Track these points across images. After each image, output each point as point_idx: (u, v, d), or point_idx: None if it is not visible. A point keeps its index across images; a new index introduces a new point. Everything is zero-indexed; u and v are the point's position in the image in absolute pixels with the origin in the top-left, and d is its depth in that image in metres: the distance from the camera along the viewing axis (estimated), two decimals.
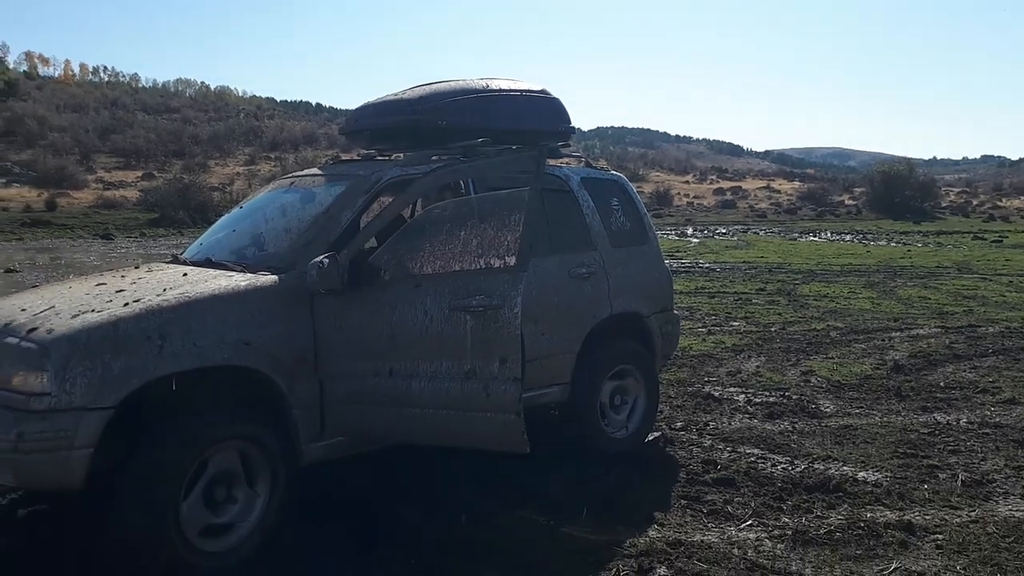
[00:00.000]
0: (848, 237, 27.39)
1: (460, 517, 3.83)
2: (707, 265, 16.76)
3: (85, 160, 45.56)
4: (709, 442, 5.07)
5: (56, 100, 69.63)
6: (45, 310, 3.29)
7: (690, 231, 29.56)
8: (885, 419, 5.62)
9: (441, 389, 3.40)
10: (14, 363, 3.07)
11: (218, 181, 40.03)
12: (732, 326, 9.28)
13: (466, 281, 3.41)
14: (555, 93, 4.81)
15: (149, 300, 3.28)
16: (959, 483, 4.39)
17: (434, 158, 4.31)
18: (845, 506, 4.05)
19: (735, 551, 3.53)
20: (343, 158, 5.14)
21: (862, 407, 5.93)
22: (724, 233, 28.66)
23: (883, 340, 8.42)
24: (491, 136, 4.22)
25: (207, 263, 3.98)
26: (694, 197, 49.30)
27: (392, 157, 4.79)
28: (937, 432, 5.32)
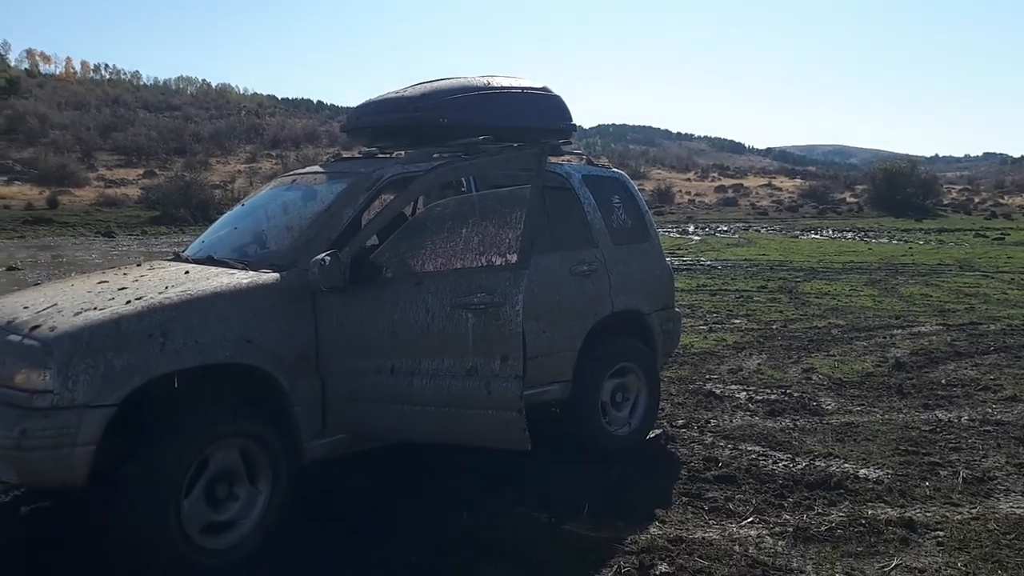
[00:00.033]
0: (850, 235, 27.37)
1: (461, 514, 3.84)
2: (708, 263, 16.76)
3: (86, 158, 45.61)
4: (710, 439, 5.07)
5: (57, 98, 69.69)
6: (48, 308, 3.30)
7: (691, 229, 29.55)
8: (886, 416, 5.62)
9: (443, 387, 3.41)
10: (17, 360, 3.07)
11: (219, 179, 40.05)
12: (733, 324, 9.28)
13: (467, 279, 3.41)
14: (556, 90, 4.81)
15: (151, 298, 3.29)
16: (960, 480, 4.39)
17: (435, 156, 4.31)
18: (846, 503, 4.06)
19: (736, 548, 3.54)
20: (344, 156, 5.14)
21: (863, 404, 5.93)
22: (725, 231, 28.66)
23: (884, 338, 8.42)
24: (492, 133, 4.21)
25: (209, 261, 3.99)
26: (695, 195, 49.29)
27: (393, 155, 4.79)
28: (938, 429, 5.32)
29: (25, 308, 3.36)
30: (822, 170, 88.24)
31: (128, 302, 3.26)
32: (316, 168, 4.70)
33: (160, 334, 3.16)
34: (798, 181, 61.04)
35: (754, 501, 4.08)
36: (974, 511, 3.98)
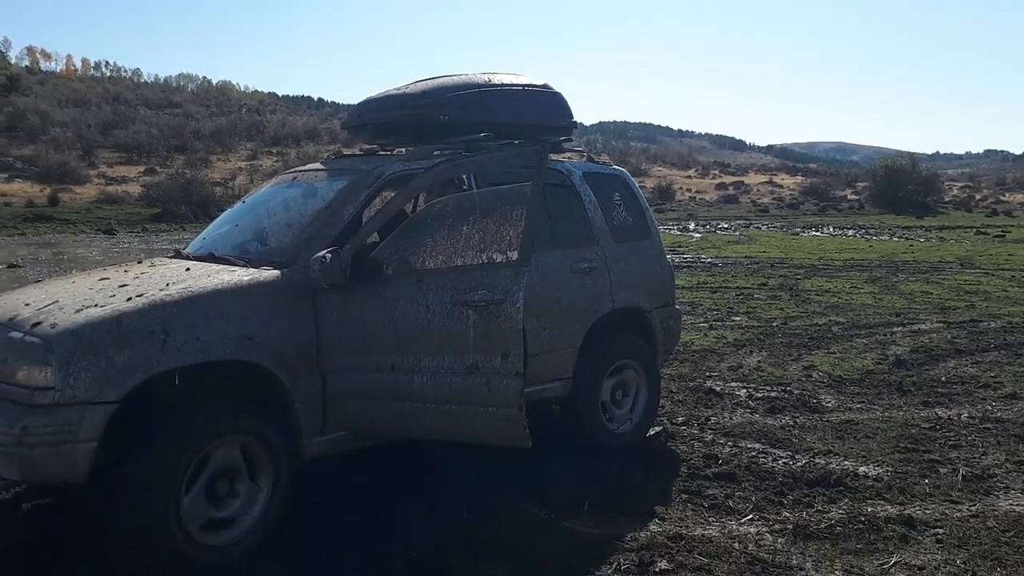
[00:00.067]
0: (850, 232, 27.37)
1: (461, 512, 3.84)
2: (709, 260, 16.76)
3: (87, 155, 45.65)
4: (710, 437, 5.08)
5: (58, 95, 69.72)
6: (49, 305, 3.30)
7: (692, 226, 29.54)
8: (886, 414, 5.62)
9: (443, 384, 3.41)
10: (18, 357, 3.08)
11: (220, 176, 40.08)
12: (734, 321, 9.28)
13: (468, 276, 3.41)
14: (557, 87, 4.81)
15: (152, 295, 3.29)
16: (960, 478, 4.40)
17: (436, 153, 4.31)
18: (846, 500, 4.06)
19: (736, 545, 3.54)
20: (345, 153, 5.14)
21: (863, 402, 5.93)
22: (726, 228, 28.65)
23: (885, 335, 8.42)
24: (493, 131, 4.21)
25: (210, 258, 3.99)
26: (696, 192, 49.29)
27: (394, 152, 4.79)
28: (938, 427, 5.32)
29: (26, 305, 3.36)
30: (823, 167, 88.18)
31: (129, 299, 3.26)
32: (317, 165, 4.71)
33: (161, 331, 3.16)
34: (799, 178, 61.03)
35: (754, 498, 4.09)
36: (973, 508, 3.98)
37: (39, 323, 3.13)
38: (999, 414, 5.62)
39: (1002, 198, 49.59)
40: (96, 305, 3.22)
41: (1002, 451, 4.85)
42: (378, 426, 3.68)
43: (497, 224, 3.44)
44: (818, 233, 26.79)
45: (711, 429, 5.24)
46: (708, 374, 6.70)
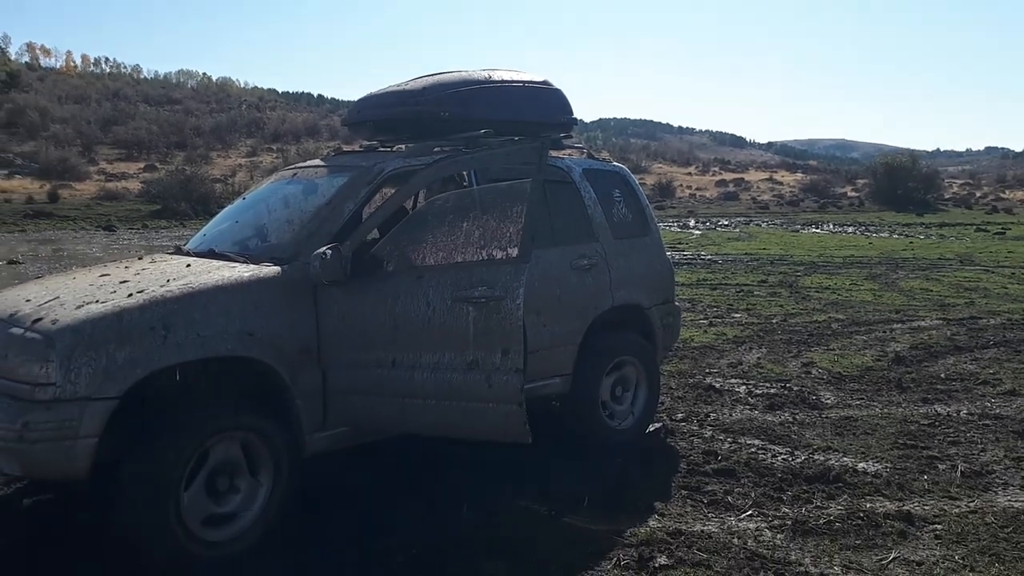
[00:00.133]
0: (850, 229, 27.36)
1: (461, 508, 3.85)
2: (709, 257, 16.76)
3: (87, 152, 45.62)
4: (710, 433, 5.09)
5: (58, 91, 69.68)
6: (50, 300, 3.31)
7: (692, 223, 29.54)
8: (885, 410, 5.63)
9: (443, 380, 3.42)
10: (19, 353, 3.09)
11: (220, 173, 40.06)
12: (734, 318, 9.29)
13: (468, 272, 3.42)
14: (557, 84, 4.81)
15: (153, 291, 3.30)
16: (958, 474, 4.41)
17: (436, 149, 4.32)
18: (845, 496, 4.07)
19: (735, 541, 3.55)
20: (345, 149, 5.14)
21: (863, 398, 5.94)
22: (726, 225, 28.65)
23: (884, 332, 8.43)
24: (493, 127, 4.22)
25: (210, 254, 4.00)
26: (696, 189, 49.27)
27: (394, 148, 4.79)
28: (937, 423, 5.33)
29: (27, 301, 3.37)
30: (823, 164, 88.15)
31: (130, 295, 3.27)
32: (317, 162, 4.71)
33: (162, 327, 3.17)
34: (799, 175, 61.02)
35: (753, 494, 4.10)
36: (972, 505, 3.99)
37: (40, 319, 3.14)
38: (998, 411, 5.63)
39: (1002, 195, 49.58)
40: (97, 301, 3.23)
41: (1001, 447, 4.86)
42: (378, 422, 3.69)
43: (497, 221, 3.45)
44: (818, 230, 26.79)
45: (711, 425, 5.25)
46: (708, 371, 6.71)
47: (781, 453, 4.72)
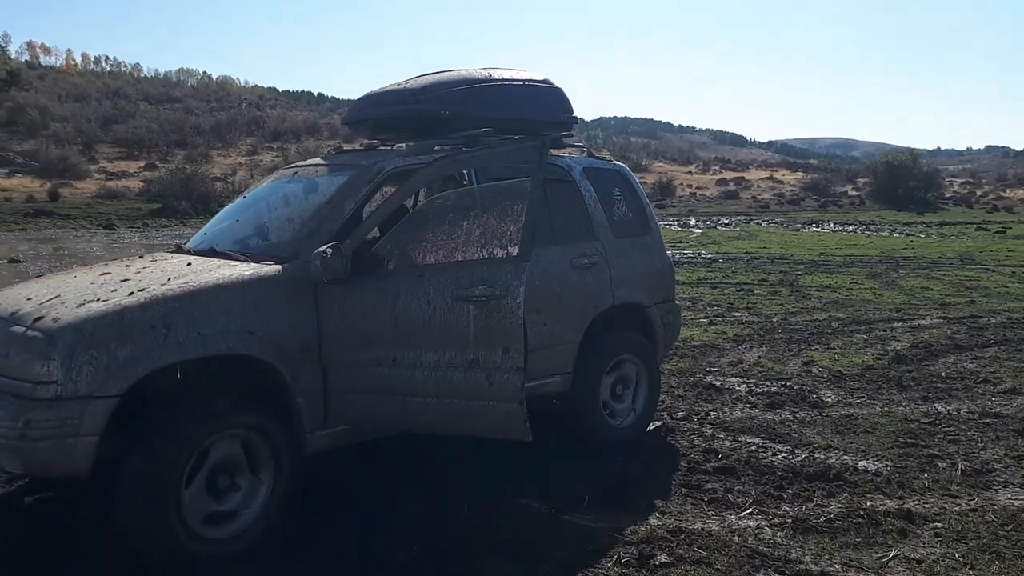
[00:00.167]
0: (851, 228, 27.36)
1: (462, 505, 3.86)
2: (709, 256, 16.76)
3: (87, 150, 45.62)
4: (710, 431, 5.09)
5: (58, 90, 69.67)
6: (51, 299, 3.31)
7: (692, 222, 29.53)
8: (886, 409, 5.64)
9: (444, 378, 3.42)
10: (20, 352, 3.09)
11: (220, 171, 40.05)
12: (734, 316, 9.30)
13: (469, 271, 3.42)
14: (557, 82, 4.81)
15: (154, 289, 3.30)
16: (959, 472, 4.41)
17: (437, 148, 4.32)
18: (845, 495, 4.08)
19: (735, 539, 3.56)
20: (346, 148, 5.14)
21: (863, 397, 5.94)
22: (727, 224, 28.64)
23: (885, 330, 8.43)
24: (494, 126, 4.22)
25: (211, 253, 4.00)
26: (697, 187, 49.25)
27: (395, 147, 4.80)
28: (937, 422, 5.33)
29: (28, 300, 3.37)
30: (824, 163, 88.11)
31: (131, 293, 3.27)
32: (317, 160, 4.71)
33: (163, 325, 3.17)
34: (800, 174, 61.01)
35: (753, 492, 4.10)
36: (972, 503, 4.00)
37: (41, 317, 3.14)
38: (998, 409, 5.63)
39: (1003, 194, 49.56)
40: (98, 300, 3.23)
41: (1001, 446, 4.87)
42: (379, 420, 3.69)
43: (498, 219, 3.45)
44: (818, 229, 26.78)
45: (711, 424, 5.26)
46: (708, 369, 6.71)
47: (781, 451, 4.72)
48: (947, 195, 45.60)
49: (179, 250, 4.34)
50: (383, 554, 3.39)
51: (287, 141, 59.03)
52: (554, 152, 4.84)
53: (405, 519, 3.73)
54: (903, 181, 40.89)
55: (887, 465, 4.51)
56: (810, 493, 4.09)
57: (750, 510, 3.90)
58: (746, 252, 17.61)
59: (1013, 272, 13.83)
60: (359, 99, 4.79)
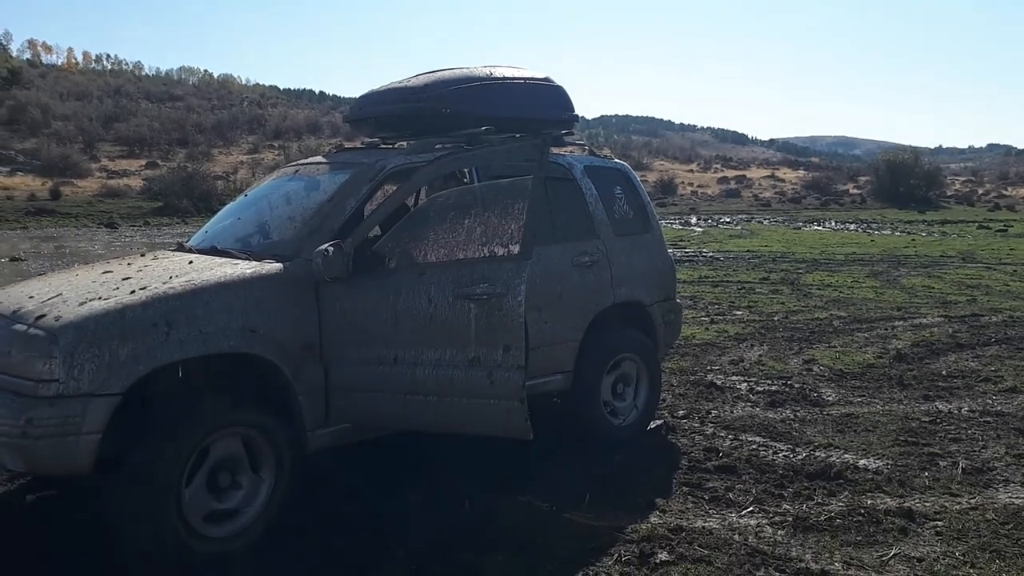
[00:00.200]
0: (852, 226, 27.33)
1: (462, 504, 3.86)
2: (711, 254, 16.76)
3: (89, 149, 45.63)
4: (711, 430, 5.09)
5: (59, 88, 69.70)
6: (52, 297, 3.32)
7: (694, 220, 29.51)
8: (887, 407, 5.64)
9: (445, 376, 3.43)
10: (23, 350, 3.10)
11: (222, 170, 40.07)
12: (735, 315, 9.30)
13: (470, 269, 3.42)
14: (559, 81, 4.81)
15: (155, 288, 3.31)
16: (959, 471, 4.41)
17: (438, 146, 4.33)
18: (846, 493, 4.08)
19: (736, 537, 3.56)
20: (347, 146, 5.15)
21: (864, 395, 5.94)
22: (728, 222, 28.62)
23: (886, 329, 8.43)
24: (495, 124, 4.22)
25: (212, 251, 4.00)
26: (698, 186, 49.20)
27: (396, 145, 4.80)
28: (938, 420, 5.34)
29: (30, 298, 3.38)
30: (825, 161, 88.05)
31: (132, 292, 3.28)
32: (319, 159, 4.72)
33: (164, 324, 3.18)
34: (801, 172, 60.94)
35: (754, 491, 4.11)
36: (973, 501, 4.00)
37: (43, 316, 3.15)
38: (999, 408, 5.64)
39: (1004, 192, 49.47)
40: (99, 298, 3.24)
41: (1002, 444, 4.87)
42: (380, 418, 3.70)
43: (499, 217, 3.45)
44: (820, 227, 26.76)
45: (712, 422, 5.26)
46: (709, 368, 6.72)
47: (782, 450, 4.73)
48: (949, 193, 45.51)
49: (181, 248, 4.35)
50: (384, 551, 3.40)
51: (288, 139, 59.03)
52: (555, 150, 4.84)
53: (406, 517, 3.74)
54: (905, 179, 40.82)
55: (888, 463, 4.51)
56: (811, 491, 4.10)
57: (751, 508, 3.90)
58: (747, 250, 17.60)
59: (1014, 270, 13.82)
60: (360, 97, 4.79)
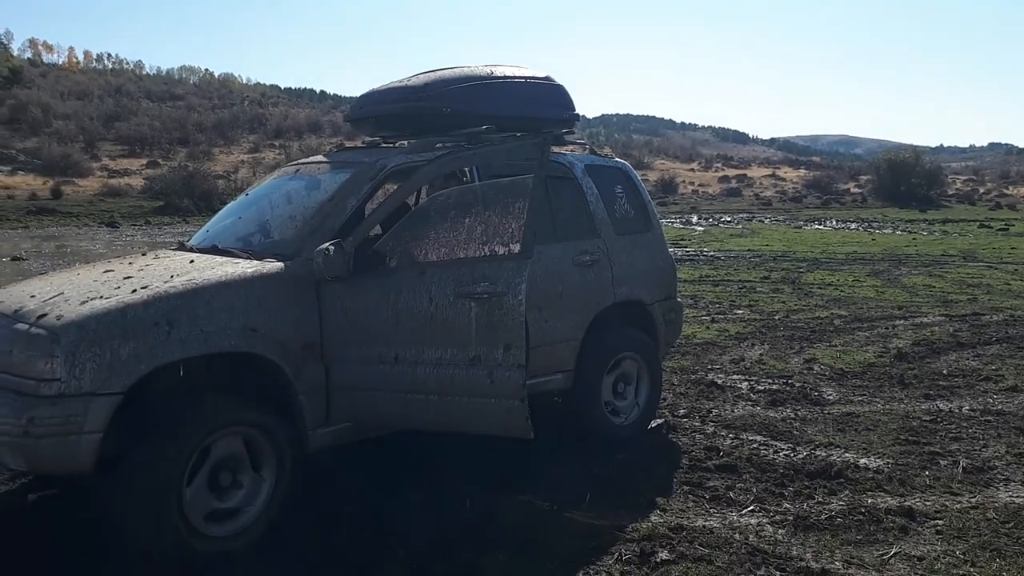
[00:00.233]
0: (853, 225, 27.32)
1: (463, 503, 3.87)
2: (711, 253, 16.75)
3: (90, 148, 45.67)
4: (712, 429, 5.10)
5: (60, 87, 69.70)
6: (54, 297, 3.32)
7: (695, 219, 29.50)
8: (887, 406, 5.64)
9: (446, 375, 3.43)
10: (24, 349, 3.10)
11: (222, 169, 40.09)
12: (736, 314, 9.30)
13: (470, 268, 3.43)
14: (559, 80, 4.81)
15: (157, 287, 3.31)
16: (960, 470, 4.41)
17: (438, 145, 4.33)
18: (846, 492, 4.08)
19: (737, 536, 3.56)
20: (348, 145, 5.15)
21: (865, 394, 5.94)
22: (729, 221, 28.61)
23: (887, 328, 8.43)
24: (495, 123, 4.22)
25: (214, 250, 4.01)
26: (699, 185, 49.17)
27: (397, 144, 4.80)
28: (939, 419, 5.33)
29: (32, 297, 3.38)
30: (826, 160, 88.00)
31: (134, 291, 3.28)
32: (319, 158, 4.72)
33: (166, 323, 3.18)
34: (802, 171, 60.88)
35: (755, 490, 4.11)
36: (973, 500, 4.00)
37: (45, 315, 3.15)
38: (1000, 407, 5.63)
39: (1006, 191, 49.42)
40: (101, 297, 3.24)
41: (1003, 443, 4.87)
42: (381, 417, 3.70)
43: (499, 217, 3.46)
44: (821, 226, 26.74)
45: (712, 421, 5.26)
46: (710, 367, 6.72)
47: (783, 449, 4.73)
48: (950, 192, 45.45)
49: (182, 247, 4.35)
50: (384, 550, 3.40)
51: (289, 139, 59.04)
52: (556, 149, 4.84)
53: (406, 516, 3.74)
54: (906, 178, 40.78)
55: (888, 462, 4.51)
56: (811, 490, 4.10)
57: (751, 507, 3.90)
58: (748, 250, 17.60)
59: (1015, 269, 13.81)
60: (361, 97, 4.79)
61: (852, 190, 46.97)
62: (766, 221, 29.03)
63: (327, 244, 3.48)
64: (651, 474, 4.33)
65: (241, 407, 3.39)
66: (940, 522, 3.73)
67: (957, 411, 5.53)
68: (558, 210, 4.68)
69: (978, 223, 27.18)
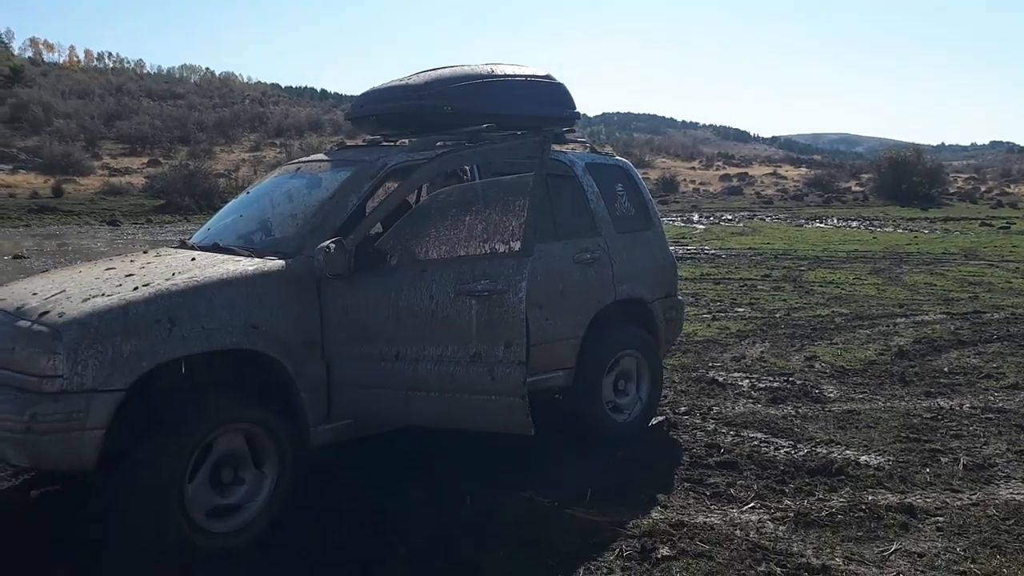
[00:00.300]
0: (854, 223, 27.30)
1: (464, 499, 3.88)
2: (712, 251, 16.75)
3: (91, 146, 45.65)
4: (713, 426, 5.10)
5: (61, 86, 69.67)
6: (56, 294, 3.33)
7: (696, 217, 29.49)
8: (888, 404, 5.64)
9: (447, 373, 3.44)
10: (26, 346, 3.11)
11: (223, 167, 40.07)
12: (737, 312, 9.30)
13: (471, 266, 3.43)
14: (560, 78, 4.81)
15: (158, 284, 3.32)
16: (961, 467, 4.42)
17: (439, 144, 4.33)
18: (847, 489, 4.09)
19: (737, 532, 3.57)
20: (348, 144, 5.16)
21: (865, 392, 5.95)
22: (730, 219, 28.60)
23: (888, 326, 8.43)
24: (496, 122, 4.23)
25: (215, 248, 4.02)
26: (700, 183, 49.13)
27: (397, 143, 4.81)
28: (940, 417, 5.34)
29: (34, 295, 3.39)
30: (828, 159, 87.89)
31: (135, 288, 3.29)
32: (320, 156, 4.72)
33: (167, 320, 3.19)
34: (803, 170, 60.82)
35: (755, 487, 4.12)
36: (974, 497, 4.01)
37: (47, 312, 3.16)
38: (1001, 404, 5.64)
39: (1007, 190, 49.36)
40: (103, 295, 3.25)
41: (1003, 441, 4.87)
42: (382, 414, 3.71)
43: (500, 215, 3.47)
44: (822, 225, 26.72)
45: (713, 419, 5.27)
46: (711, 364, 6.72)
47: (784, 446, 4.73)
48: (951, 191, 45.39)
49: (183, 245, 4.36)
50: (385, 547, 3.41)
51: (290, 137, 59.01)
52: (557, 148, 4.85)
53: (407, 513, 3.75)
54: (907, 177, 40.72)
55: (889, 460, 4.52)
56: (812, 487, 4.11)
57: (752, 504, 3.91)
58: (749, 248, 17.59)
59: (1017, 268, 13.81)
60: (362, 95, 4.80)
61: (853, 188, 46.92)
62: (767, 219, 29.01)
63: (328, 242, 3.49)
64: (652, 471, 4.34)
65: (243, 404, 3.41)
66: (941, 519, 3.74)
67: (958, 408, 5.54)
68: (559, 208, 4.68)
69: (979, 221, 27.15)
